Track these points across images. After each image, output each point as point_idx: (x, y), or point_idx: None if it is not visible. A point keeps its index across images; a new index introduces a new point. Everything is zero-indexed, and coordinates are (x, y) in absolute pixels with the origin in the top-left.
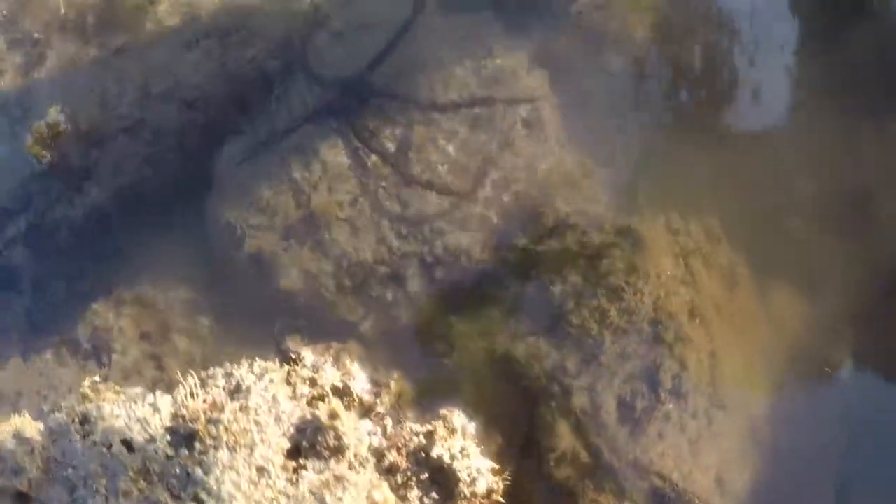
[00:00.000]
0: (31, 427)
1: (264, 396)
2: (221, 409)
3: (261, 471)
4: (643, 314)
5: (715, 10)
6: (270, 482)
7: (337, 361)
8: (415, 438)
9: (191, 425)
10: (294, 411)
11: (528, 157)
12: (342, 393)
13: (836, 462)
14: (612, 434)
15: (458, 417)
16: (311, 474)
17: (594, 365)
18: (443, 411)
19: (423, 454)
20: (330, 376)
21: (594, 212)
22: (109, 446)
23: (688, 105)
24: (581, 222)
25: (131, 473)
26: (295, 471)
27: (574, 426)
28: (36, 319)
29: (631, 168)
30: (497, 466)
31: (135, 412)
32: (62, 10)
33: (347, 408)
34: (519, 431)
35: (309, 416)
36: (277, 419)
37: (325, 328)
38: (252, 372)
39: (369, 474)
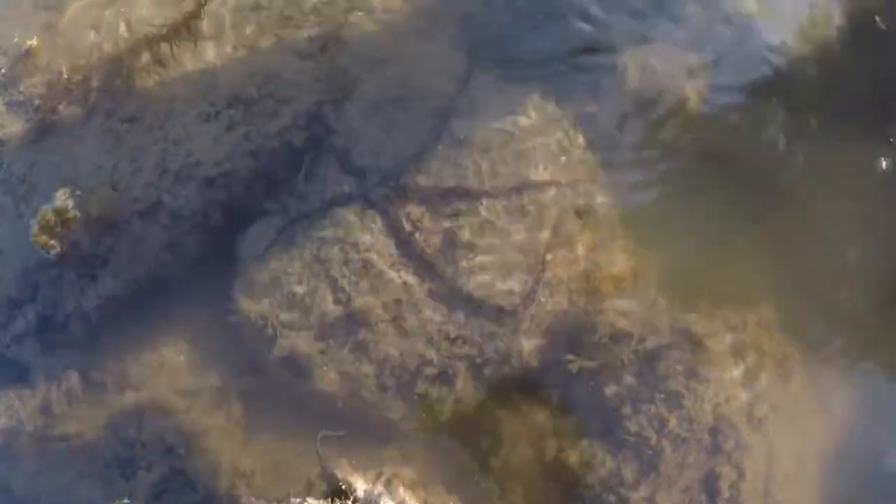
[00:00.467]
0: None
1: None
2: None
3: None
4: (703, 422)
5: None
6: None
7: (389, 490)
8: None
9: None
10: None
11: (582, 251)
12: None
13: None
14: None
15: None
16: None
17: (653, 475)
18: None
19: None
20: None
21: (650, 313)
22: None
23: (739, 187)
24: (636, 329)
25: None
26: None
27: None
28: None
29: (686, 259)
30: None
31: None
32: (64, 75)
33: None
34: None
35: None
36: None
37: (366, 428)
38: None
39: None
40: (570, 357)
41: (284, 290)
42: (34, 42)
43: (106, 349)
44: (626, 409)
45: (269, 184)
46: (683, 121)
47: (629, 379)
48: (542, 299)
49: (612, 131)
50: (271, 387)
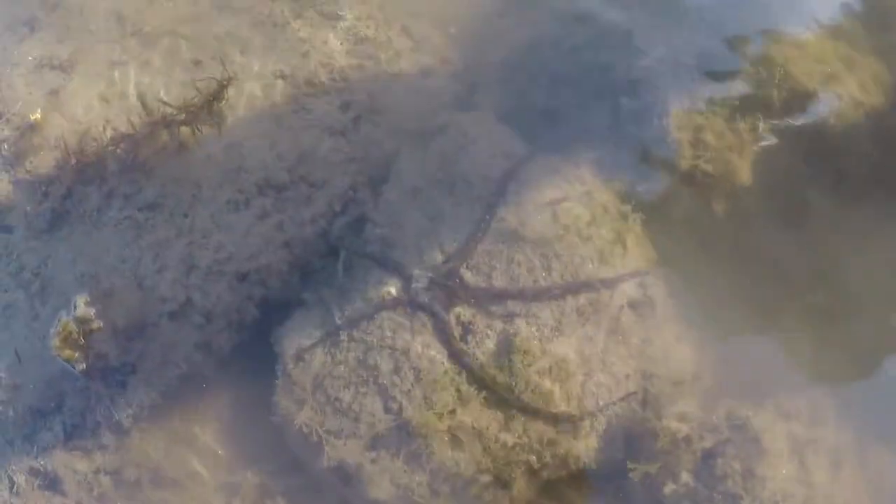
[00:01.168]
0: None
1: None
2: None
3: None
4: None
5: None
6: None
7: None
8: None
9: None
10: None
11: (637, 351)
12: None
13: None
14: None
15: None
16: None
17: None
18: None
19: None
20: None
21: (707, 410)
22: None
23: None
24: (695, 431)
25: None
26: None
27: None
28: None
29: (741, 347)
30: None
31: None
32: (74, 155)
33: None
34: None
35: None
36: None
37: None
38: None
39: None
40: (632, 465)
41: (329, 396)
42: (38, 116)
43: (138, 448)
44: None
45: (305, 274)
46: (734, 195)
47: (686, 477)
48: (601, 402)
49: (664, 211)
50: (316, 486)
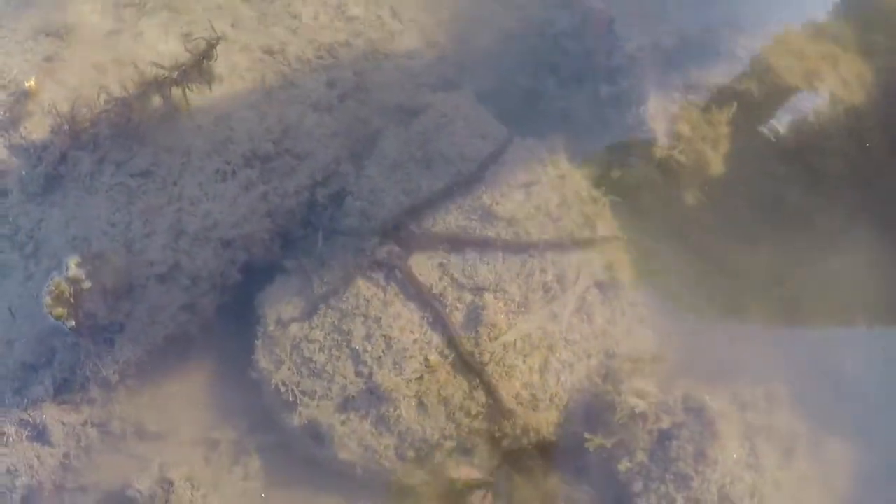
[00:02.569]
0: None
1: None
2: None
3: None
4: (709, 502)
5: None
6: None
7: None
8: None
9: None
10: None
11: (601, 331)
12: None
13: None
14: None
15: None
16: None
17: None
18: None
19: None
20: None
21: (665, 391)
22: None
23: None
24: (652, 409)
25: None
26: None
27: None
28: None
29: (704, 334)
30: None
31: None
32: (67, 120)
33: None
34: None
35: None
36: None
37: (383, 488)
38: None
39: None
40: (588, 436)
41: (306, 357)
42: (32, 83)
43: (124, 402)
44: (638, 486)
45: (286, 241)
46: (706, 185)
47: (641, 456)
48: (562, 378)
49: (637, 197)
50: (287, 444)
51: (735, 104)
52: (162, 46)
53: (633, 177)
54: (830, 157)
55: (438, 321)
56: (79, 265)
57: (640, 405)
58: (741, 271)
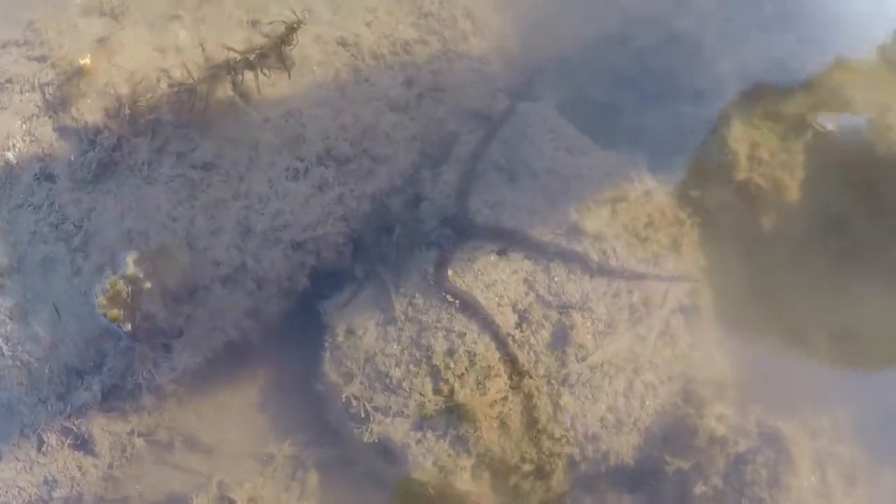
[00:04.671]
0: None
1: None
2: None
3: None
4: None
5: None
6: None
7: None
8: None
9: None
10: None
11: (683, 355)
12: None
13: None
14: None
15: None
16: None
17: None
18: None
19: None
20: None
21: (742, 416)
22: None
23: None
24: (729, 435)
25: None
26: None
27: None
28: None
29: (772, 357)
30: None
31: None
32: (126, 104)
33: None
34: None
35: None
36: None
37: None
38: None
39: None
40: (669, 459)
41: (380, 372)
42: (87, 61)
43: (174, 411)
44: None
45: (358, 247)
46: (782, 211)
47: (716, 480)
48: (646, 401)
49: (714, 218)
50: (349, 459)
51: (810, 133)
52: (226, 33)
53: (711, 198)
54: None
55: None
56: (138, 262)
57: (720, 429)
58: (808, 296)
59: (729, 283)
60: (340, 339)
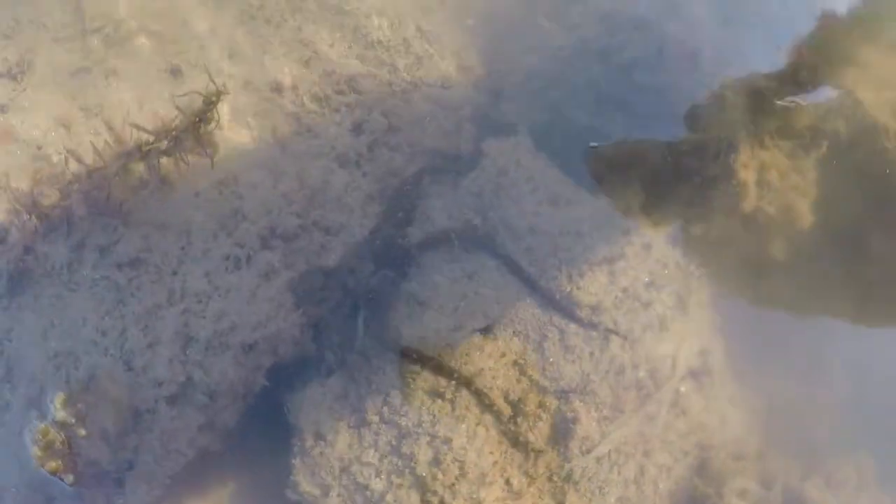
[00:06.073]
0: None
1: None
2: None
3: None
4: None
5: None
6: None
7: None
8: None
9: None
10: None
11: (696, 424)
12: None
13: None
14: None
15: None
16: None
17: None
18: None
19: None
20: None
21: (764, 484)
22: None
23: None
24: None
25: None
26: None
27: None
28: None
29: (789, 405)
30: None
31: None
32: (24, 212)
33: None
34: None
35: None
36: None
37: None
38: None
39: None
40: None
41: (358, 483)
42: None
43: None
44: None
45: (319, 330)
46: (794, 239)
47: None
48: (660, 486)
49: (719, 255)
50: None
51: (825, 145)
52: (143, 87)
53: (716, 233)
54: None
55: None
56: (66, 404)
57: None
58: (828, 332)
59: (737, 329)
60: (309, 443)
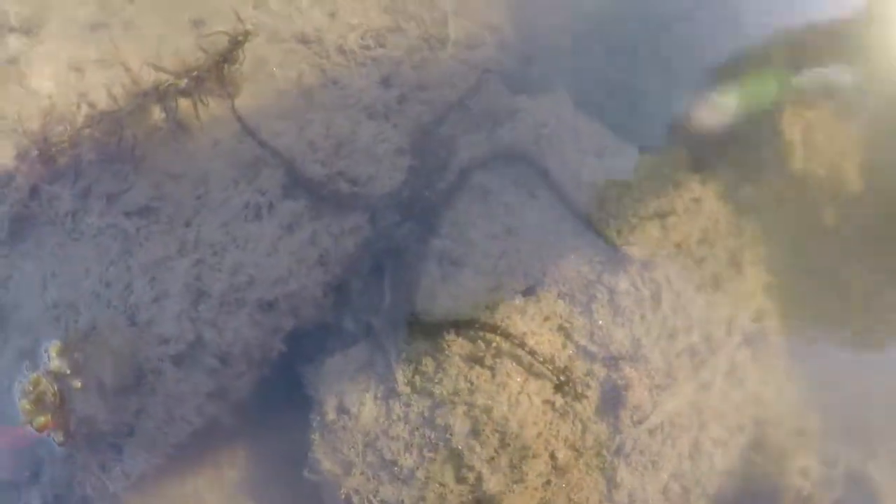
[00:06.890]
0: None
1: None
2: None
3: None
4: None
5: None
6: None
7: None
8: None
9: None
10: None
11: (753, 396)
12: None
13: None
14: None
15: None
16: None
17: None
18: None
19: None
20: None
21: (830, 470)
22: None
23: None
24: (816, 490)
25: None
26: None
27: None
28: None
29: (846, 378)
30: None
31: None
32: (40, 141)
33: None
34: None
35: None
36: None
37: None
38: None
39: None
40: None
41: (385, 459)
42: None
43: None
44: None
45: (342, 295)
46: (844, 202)
47: None
48: (715, 461)
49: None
50: None
51: (871, 106)
52: (163, 39)
53: (765, 194)
54: None
55: None
56: (62, 353)
57: (807, 487)
58: (880, 304)
59: (795, 299)
60: (331, 417)
